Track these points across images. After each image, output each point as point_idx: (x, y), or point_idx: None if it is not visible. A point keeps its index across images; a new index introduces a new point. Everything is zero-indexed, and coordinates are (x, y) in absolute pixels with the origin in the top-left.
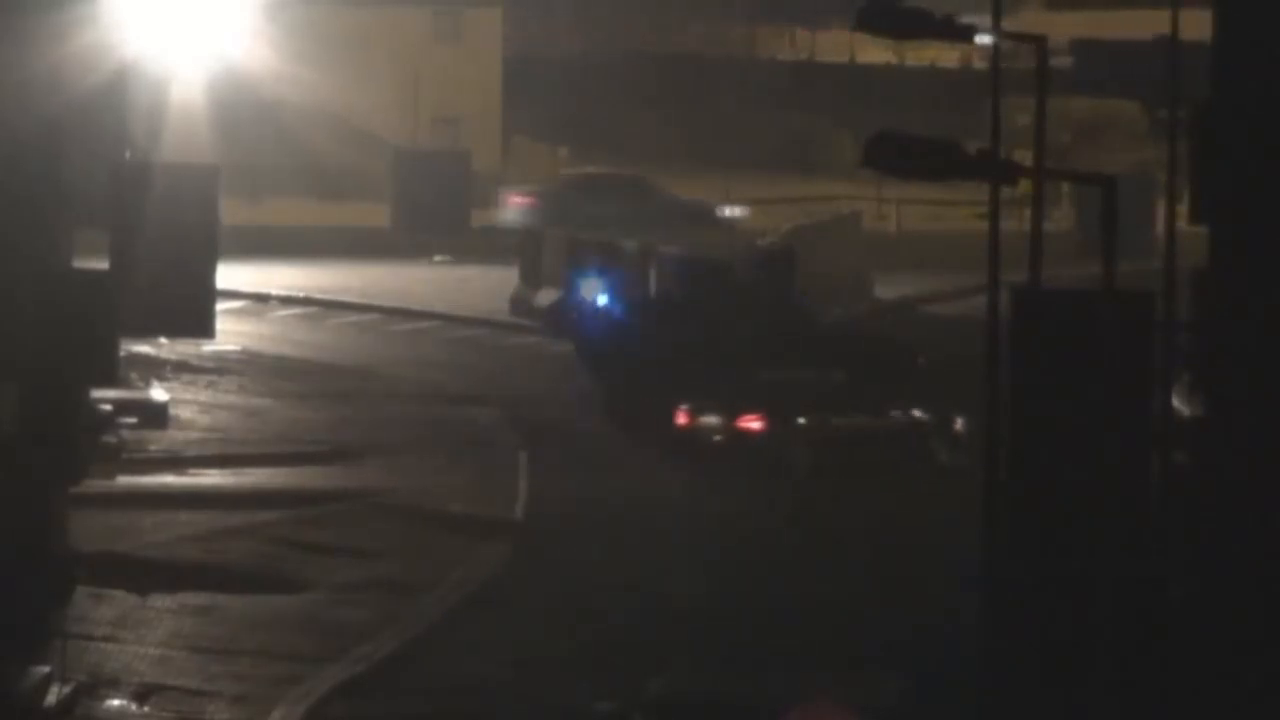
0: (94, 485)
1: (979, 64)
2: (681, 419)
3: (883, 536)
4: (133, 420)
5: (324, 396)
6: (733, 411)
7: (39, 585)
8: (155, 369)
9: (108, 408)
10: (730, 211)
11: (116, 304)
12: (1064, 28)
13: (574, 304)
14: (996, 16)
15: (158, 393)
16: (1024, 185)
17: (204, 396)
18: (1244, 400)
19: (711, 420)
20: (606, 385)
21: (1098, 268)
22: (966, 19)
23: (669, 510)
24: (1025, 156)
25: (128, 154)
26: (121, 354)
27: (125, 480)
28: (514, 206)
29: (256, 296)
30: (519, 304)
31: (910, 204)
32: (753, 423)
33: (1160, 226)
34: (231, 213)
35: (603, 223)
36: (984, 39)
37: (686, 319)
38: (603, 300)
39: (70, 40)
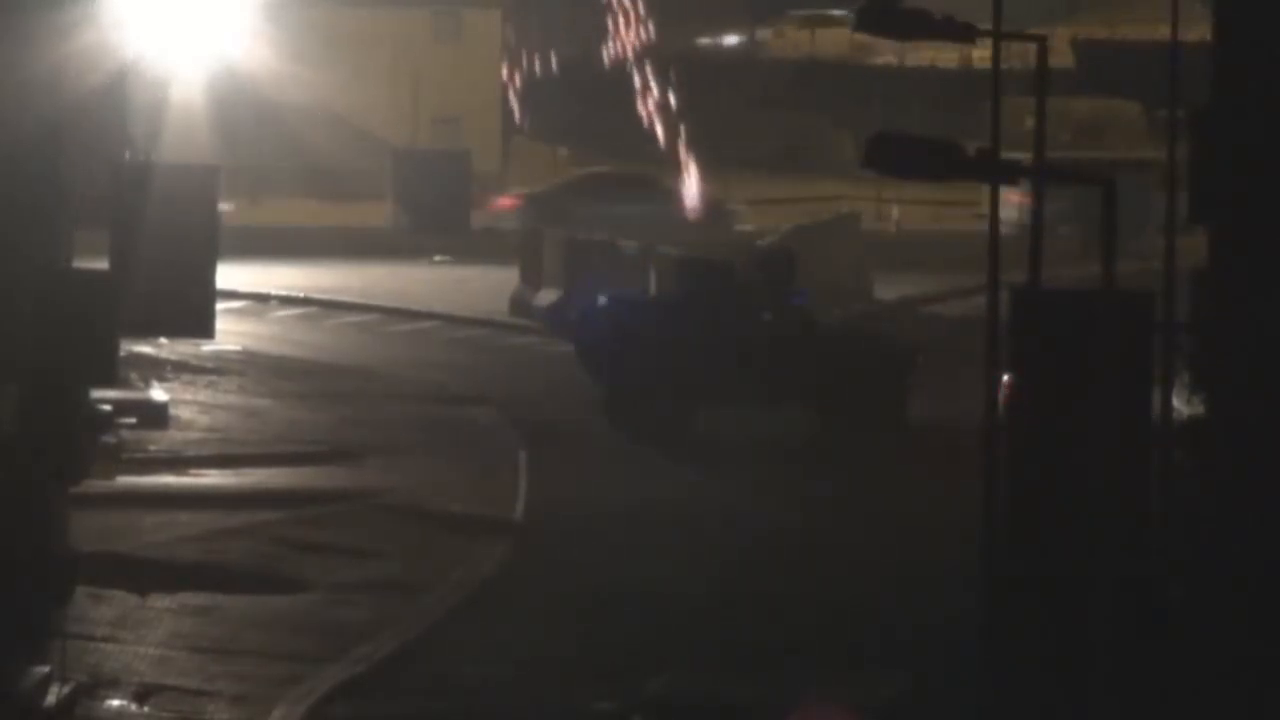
0: (94, 485)
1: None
2: None
3: (884, 535)
4: (133, 420)
5: (324, 396)
6: None
7: (39, 585)
8: (155, 369)
9: (108, 408)
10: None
11: (116, 304)
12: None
13: (574, 304)
14: (997, 16)
15: (158, 393)
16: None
17: (204, 396)
18: (1244, 400)
19: None
20: (608, 386)
21: (1098, 268)
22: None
23: (670, 509)
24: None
25: (128, 154)
26: (121, 354)
27: (125, 480)
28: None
29: (256, 296)
30: (519, 304)
31: (910, 204)
32: None
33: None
34: (232, 213)
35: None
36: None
37: (688, 319)
38: (602, 300)
39: (70, 40)
